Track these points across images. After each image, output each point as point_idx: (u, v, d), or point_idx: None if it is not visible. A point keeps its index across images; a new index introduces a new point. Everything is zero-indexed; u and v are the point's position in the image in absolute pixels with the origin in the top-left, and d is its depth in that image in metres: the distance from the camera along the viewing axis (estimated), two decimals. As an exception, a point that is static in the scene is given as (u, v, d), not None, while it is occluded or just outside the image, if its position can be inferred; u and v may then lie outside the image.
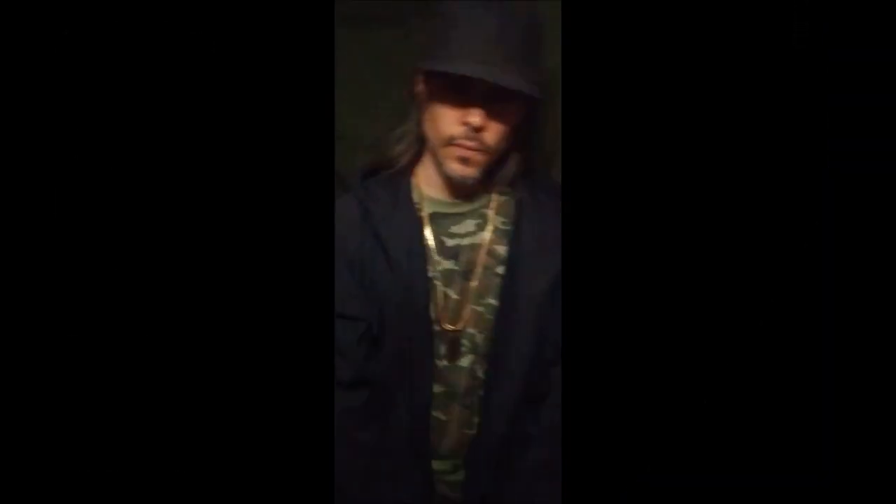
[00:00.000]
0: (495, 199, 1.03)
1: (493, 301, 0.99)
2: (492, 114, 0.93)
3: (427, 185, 1.03)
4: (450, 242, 1.01)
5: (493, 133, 0.95)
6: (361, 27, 1.31)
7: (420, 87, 0.97)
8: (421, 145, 1.02)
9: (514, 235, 1.01)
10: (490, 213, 1.02)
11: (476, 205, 1.03)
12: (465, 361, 1.00)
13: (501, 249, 1.01)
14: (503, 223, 1.02)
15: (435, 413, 1.00)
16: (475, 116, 0.92)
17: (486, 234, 1.01)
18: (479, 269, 1.00)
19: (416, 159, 1.03)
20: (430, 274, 0.99)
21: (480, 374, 0.99)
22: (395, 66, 1.34)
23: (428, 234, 1.01)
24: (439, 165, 0.99)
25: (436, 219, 1.01)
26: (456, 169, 0.96)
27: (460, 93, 0.92)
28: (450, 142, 0.95)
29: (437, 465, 1.01)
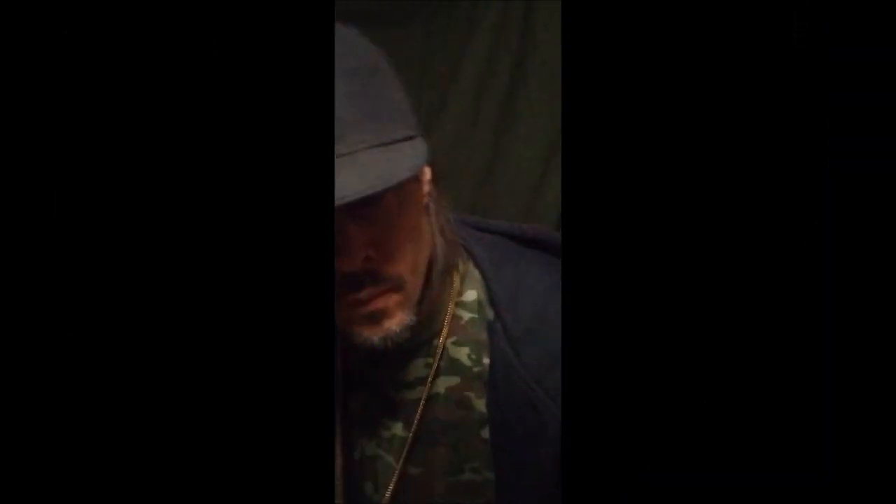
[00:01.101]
0: (457, 321, 0.71)
1: (488, 474, 0.69)
2: (370, 230, 0.65)
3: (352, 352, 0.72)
4: (396, 397, 0.71)
5: (390, 254, 0.65)
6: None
7: None
8: None
9: (490, 378, 0.69)
10: (449, 343, 0.71)
11: (425, 335, 0.72)
12: (441, 384, 0.71)
13: (475, 400, 0.70)
14: (472, 359, 0.70)
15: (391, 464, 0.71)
16: (347, 256, 0.63)
17: (452, 380, 0.71)
18: (449, 433, 0.70)
19: None
20: (365, 445, 0.71)
21: (476, 403, 0.70)
22: (395, 66, 1.34)
23: (360, 392, 0.72)
24: (349, 338, 0.69)
25: (367, 370, 0.72)
26: (369, 333, 0.67)
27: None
28: (342, 305, 0.66)
29: None
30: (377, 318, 0.66)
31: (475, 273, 0.73)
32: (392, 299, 0.66)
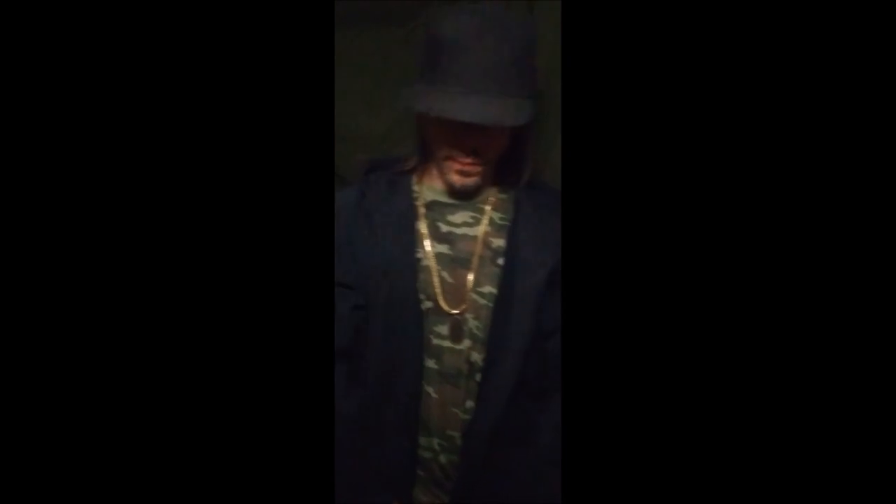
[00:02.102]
0: (493, 197, 1.07)
1: (492, 289, 1.02)
2: (486, 137, 0.99)
3: (429, 182, 1.08)
4: (444, 228, 1.05)
5: (490, 150, 1.01)
6: (361, 27, 1.32)
7: (421, 107, 1.00)
8: (423, 154, 1.07)
9: (511, 230, 1.05)
10: (487, 208, 1.07)
11: (473, 201, 1.07)
12: (463, 345, 1.02)
13: (499, 241, 1.04)
14: (500, 218, 1.06)
15: (427, 388, 1.02)
16: (470, 140, 0.98)
17: (482, 227, 1.05)
18: (475, 259, 1.03)
19: (419, 165, 1.08)
20: (420, 255, 1.03)
21: (476, 358, 1.01)
22: (395, 66, 1.34)
23: (422, 220, 1.05)
24: (441, 172, 1.05)
25: (432, 207, 1.06)
26: (456, 180, 1.03)
27: (455, 122, 0.96)
28: (448, 157, 1.01)
29: (423, 441, 1.03)
30: (466, 174, 1.02)
31: (515, 192, 1.09)
32: (477, 168, 1.02)
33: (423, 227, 1.04)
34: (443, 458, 1.03)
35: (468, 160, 1.00)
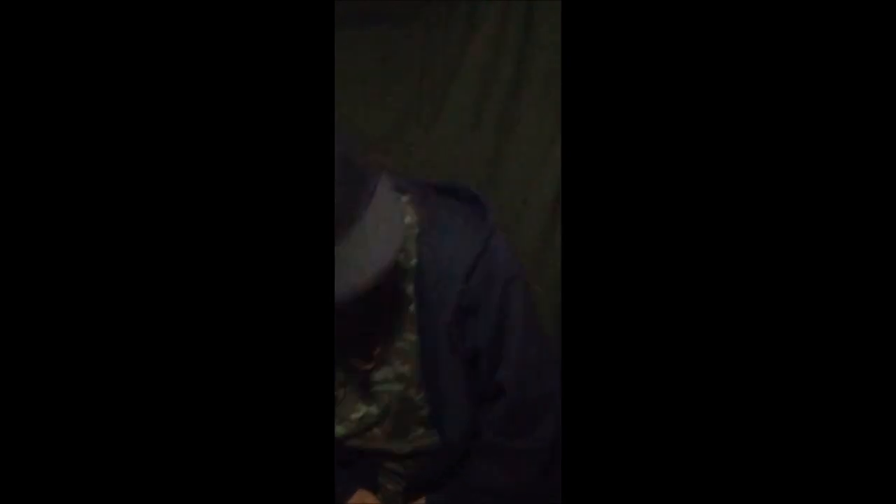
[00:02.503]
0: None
1: (411, 336, 1.03)
2: None
3: None
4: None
5: None
6: (361, 27, 1.32)
7: None
8: None
9: (416, 272, 1.02)
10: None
11: None
12: (387, 387, 1.05)
13: (408, 290, 1.03)
14: (403, 262, 1.01)
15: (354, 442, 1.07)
16: None
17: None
18: (387, 310, 1.02)
19: None
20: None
21: (414, 395, 1.04)
22: (395, 66, 1.34)
23: None
24: None
25: None
26: None
27: None
28: None
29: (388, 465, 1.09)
30: None
31: (414, 219, 1.03)
32: None
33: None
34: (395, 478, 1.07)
35: None
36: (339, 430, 1.06)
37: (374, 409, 1.06)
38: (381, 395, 1.05)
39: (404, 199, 1.04)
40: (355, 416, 1.06)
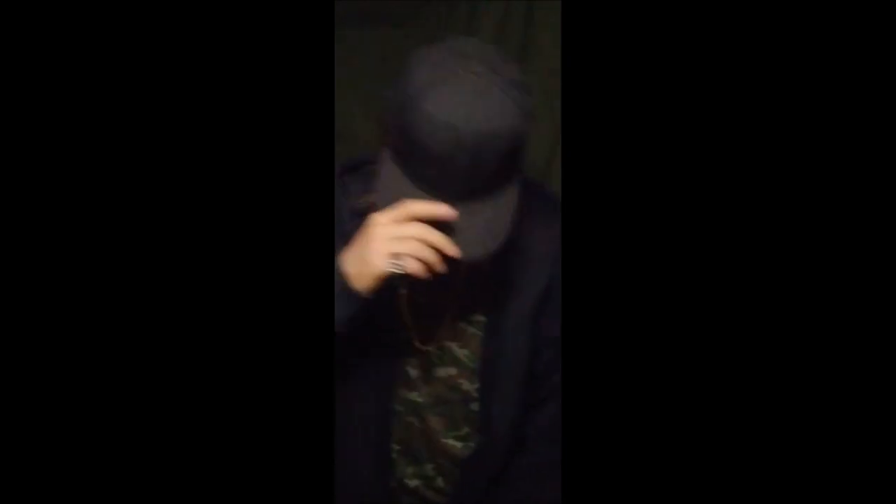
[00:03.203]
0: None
1: (480, 317, 0.96)
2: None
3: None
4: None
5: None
6: (361, 27, 1.32)
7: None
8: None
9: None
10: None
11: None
12: (441, 373, 0.97)
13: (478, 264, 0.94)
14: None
15: (409, 418, 0.98)
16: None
17: (445, 370, 0.97)
18: (456, 285, 0.94)
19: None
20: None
21: (468, 388, 0.97)
22: (395, 65, 1.34)
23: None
24: None
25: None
26: None
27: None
28: None
29: (411, 469, 1.00)
30: None
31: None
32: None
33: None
34: (440, 482, 1.00)
35: None
36: (397, 407, 0.98)
37: (424, 395, 0.98)
38: (433, 380, 0.98)
39: None
40: (411, 396, 0.98)
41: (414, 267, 0.80)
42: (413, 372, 0.97)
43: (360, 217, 0.89)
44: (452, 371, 0.96)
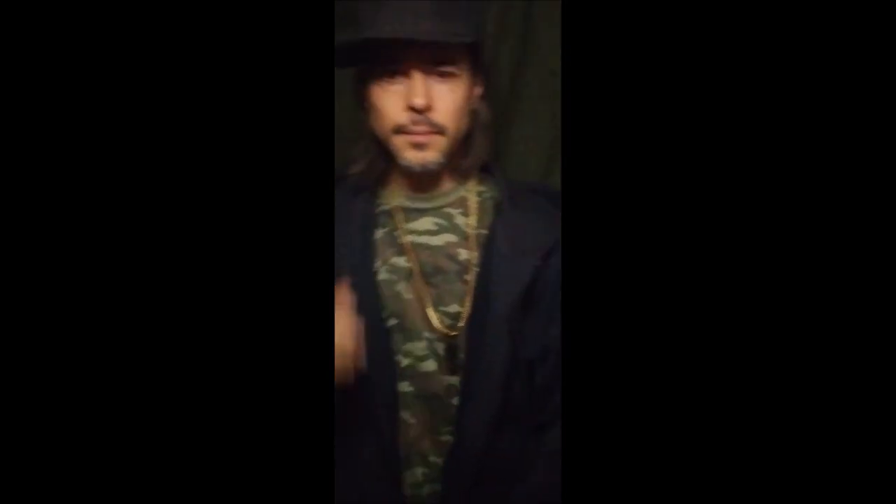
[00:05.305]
0: (468, 200, 0.98)
1: (458, 308, 0.94)
2: (435, 90, 0.89)
3: (396, 184, 0.98)
4: (404, 238, 0.95)
5: (443, 112, 0.90)
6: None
7: (358, 84, 0.93)
8: (385, 159, 0.96)
9: (488, 240, 0.95)
10: (456, 212, 0.97)
11: (440, 202, 0.98)
12: (430, 366, 0.94)
13: (467, 254, 0.95)
14: (471, 226, 0.96)
15: (403, 414, 0.94)
16: (417, 96, 0.87)
17: (445, 237, 0.96)
18: (438, 273, 0.95)
19: (383, 168, 0.98)
20: (378, 268, 0.94)
21: (453, 381, 0.93)
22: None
23: (380, 229, 0.96)
24: (399, 167, 0.93)
25: (394, 214, 0.97)
26: (411, 157, 0.91)
27: (396, 72, 0.88)
28: (398, 131, 0.90)
29: (405, 475, 0.94)
30: (421, 147, 0.90)
31: (494, 191, 0.99)
32: (434, 139, 0.90)
33: (380, 236, 0.96)
34: (426, 489, 0.95)
35: (420, 126, 0.88)
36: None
37: (406, 387, 0.94)
38: (410, 372, 0.94)
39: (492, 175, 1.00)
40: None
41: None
42: (406, 363, 0.94)
43: (357, 193, 0.96)
44: (437, 364, 0.93)
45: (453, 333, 0.93)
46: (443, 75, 0.90)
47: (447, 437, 0.94)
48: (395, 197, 0.98)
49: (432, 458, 0.94)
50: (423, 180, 0.96)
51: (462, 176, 0.98)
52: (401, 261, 0.95)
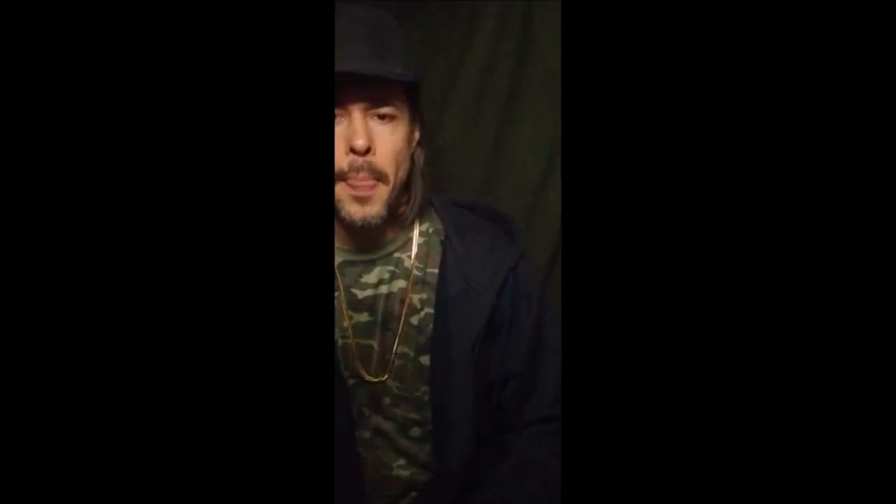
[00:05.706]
0: (412, 242, 0.99)
1: (409, 351, 0.97)
2: (376, 132, 0.89)
3: (338, 241, 0.97)
4: (361, 294, 0.97)
5: (383, 155, 0.90)
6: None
7: None
8: None
9: (439, 280, 0.97)
10: (404, 256, 0.98)
11: (389, 249, 0.98)
12: (389, 411, 0.98)
13: (416, 299, 0.97)
14: (419, 268, 0.98)
15: (364, 453, 0.98)
16: (358, 137, 0.87)
17: (401, 282, 0.97)
18: (394, 321, 0.97)
19: None
20: (344, 327, 0.96)
21: (410, 415, 0.97)
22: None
23: (337, 289, 0.96)
24: (340, 219, 0.92)
25: (344, 270, 0.97)
26: (354, 212, 0.91)
27: (335, 113, 0.88)
28: (340, 177, 0.89)
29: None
30: (363, 201, 0.89)
31: (439, 226, 1.01)
32: (377, 191, 0.89)
33: (340, 293, 0.95)
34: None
35: (361, 173, 0.88)
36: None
37: (384, 424, 0.98)
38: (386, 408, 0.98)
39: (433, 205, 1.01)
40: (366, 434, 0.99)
41: None
42: (367, 413, 0.97)
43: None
44: (402, 408, 0.97)
45: (377, 380, 0.96)
46: (382, 117, 0.90)
47: (401, 471, 0.99)
48: (341, 253, 0.97)
49: (388, 492, 0.99)
50: (365, 233, 0.95)
51: (403, 222, 0.99)
52: (364, 317, 0.97)
